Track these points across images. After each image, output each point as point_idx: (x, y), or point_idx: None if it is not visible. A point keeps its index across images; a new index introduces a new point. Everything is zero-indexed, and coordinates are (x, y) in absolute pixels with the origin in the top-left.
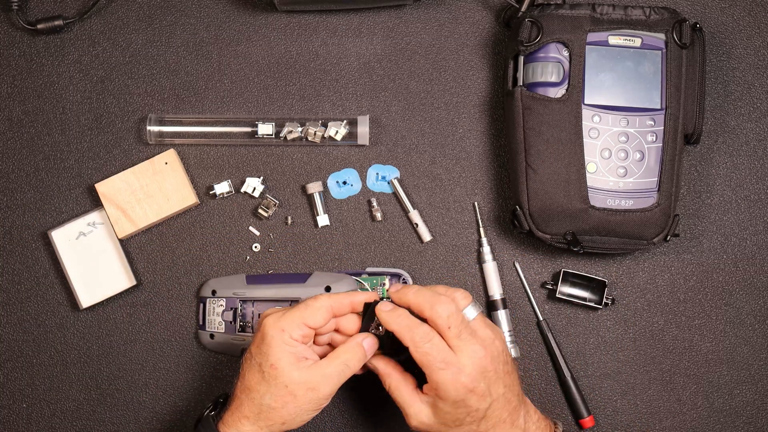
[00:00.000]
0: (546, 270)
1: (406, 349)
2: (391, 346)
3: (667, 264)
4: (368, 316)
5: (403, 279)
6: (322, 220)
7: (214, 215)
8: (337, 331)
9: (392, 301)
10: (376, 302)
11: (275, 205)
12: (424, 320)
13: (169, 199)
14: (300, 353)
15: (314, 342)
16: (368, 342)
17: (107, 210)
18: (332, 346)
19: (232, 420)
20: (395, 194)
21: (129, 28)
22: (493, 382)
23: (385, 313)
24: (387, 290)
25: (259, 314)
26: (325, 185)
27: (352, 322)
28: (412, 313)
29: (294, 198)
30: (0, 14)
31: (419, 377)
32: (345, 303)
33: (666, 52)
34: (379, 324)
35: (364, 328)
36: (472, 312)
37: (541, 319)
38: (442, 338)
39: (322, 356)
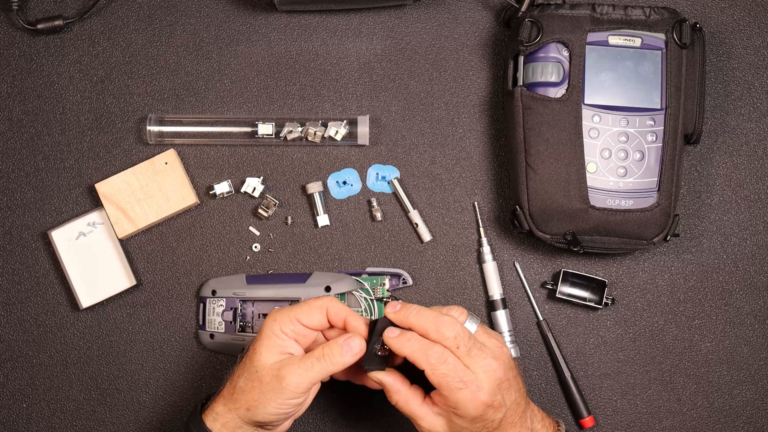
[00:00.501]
0: (546, 270)
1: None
2: (404, 363)
3: (667, 264)
4: (375, 334)
5: (403, 279)
6: (322, 220)
7: (214, 215)
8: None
9: (393, 324)
10: (380, 320)
11: (275, 205)
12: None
13: (169, 199)
14: (284, 346)
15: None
16: (350, 342)
17: (107, 210)
18: None
19: (213, 402)
20: (395, 194)
21: (129, 28)
22: (506, 391)
23: (393, 339)
24: (384, 310)
25: (259, 314)
26: (325, 185)
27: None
28: None
29: (294, 198)
30: (0, 14)
31: (425, 386)
32: (341, 315)
33: (666, 52)
34: (384, 344)
35: (370, 347)
36: (472, 325)
37: (541, 319)
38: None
39: None
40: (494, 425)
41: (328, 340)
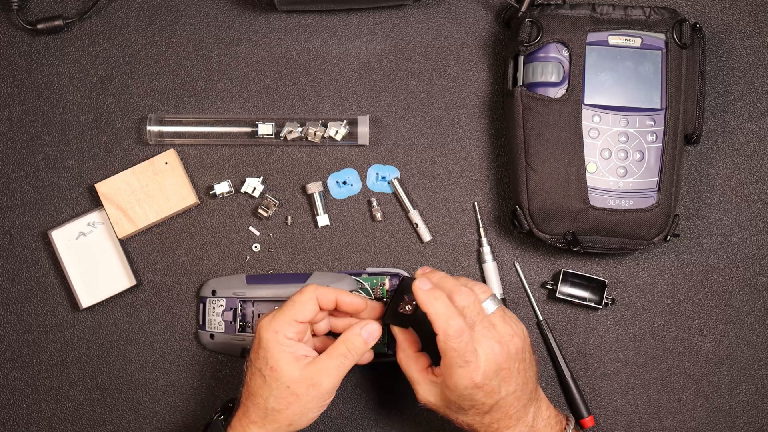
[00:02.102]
0: (546, 270)
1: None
2: (418, 328)
3: (667, 264)
4: (399, 291)
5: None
6: (322, 220)
7: (214, 215)
8: (336, 311)
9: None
10: (406, 278)
11: (275, 205)
12: None
13: (169, 199)
14: (297, 352)
15: (313, 333)
16: (368, 329)
17: (107, 210)
18: (334, 334)
19: (240, 426)
20: (395, 194)
21: (129, 28)
22: (504, 380)
23: (423, 292)
24: (416, 273)
25: (259, 314)
26: (325, 185)
27: (376, 311)
28: None
29: (294, 198)
30: (0, 14)
31: (433, 356)
32: (331, 298)
33: (666, 52)
34: (409, 303)
35: (392, 305)
36: (491, 306)
37: (541, 319)
38: None
39: (322, 350)
40: (484, 409)
41: (317, 332)
